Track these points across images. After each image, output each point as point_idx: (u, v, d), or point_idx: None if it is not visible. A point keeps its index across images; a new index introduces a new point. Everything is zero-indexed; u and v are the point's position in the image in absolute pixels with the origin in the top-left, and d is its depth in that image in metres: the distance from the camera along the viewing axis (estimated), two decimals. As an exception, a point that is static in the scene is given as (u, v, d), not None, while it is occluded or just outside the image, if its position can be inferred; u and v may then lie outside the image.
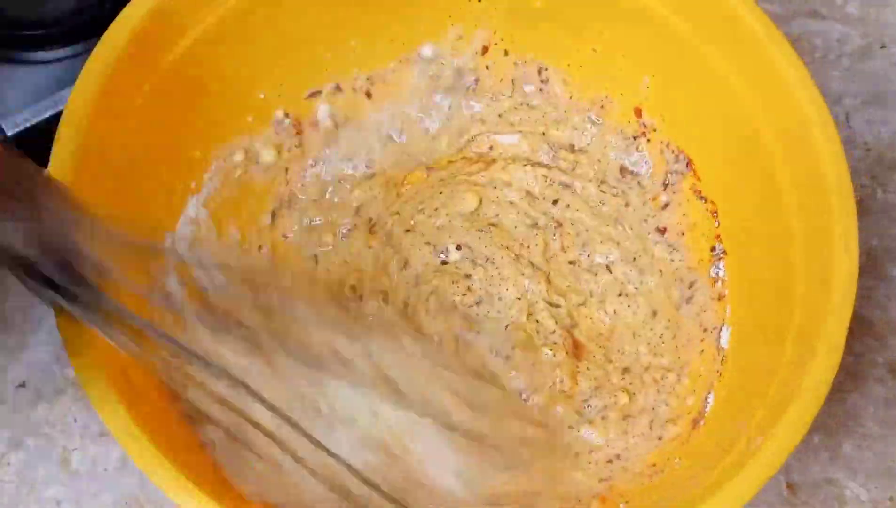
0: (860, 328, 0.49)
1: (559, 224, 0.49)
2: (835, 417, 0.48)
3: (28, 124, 0.47)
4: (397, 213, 0.50)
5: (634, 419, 0.45)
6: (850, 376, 0.48)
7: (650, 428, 0.44)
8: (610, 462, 0.44)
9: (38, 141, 0.40)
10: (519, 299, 0.48)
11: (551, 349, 0.47)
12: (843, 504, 0.46)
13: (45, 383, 0.47)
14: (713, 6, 0.43)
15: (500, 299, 0.48)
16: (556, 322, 0.47)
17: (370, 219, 0.50)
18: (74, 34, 0.49)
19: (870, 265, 0.51)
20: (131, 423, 0.35)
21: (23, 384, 0.48)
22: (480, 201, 0.50)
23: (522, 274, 0.48)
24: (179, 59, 0.43)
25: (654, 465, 0.43)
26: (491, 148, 0.51)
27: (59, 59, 0.49)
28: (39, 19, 0.49)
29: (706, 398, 0.44)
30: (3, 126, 0.47)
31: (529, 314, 0.48)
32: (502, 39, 0.49)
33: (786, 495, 0.46)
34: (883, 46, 0.56)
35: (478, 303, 0.48)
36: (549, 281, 0.48)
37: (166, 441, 0.36)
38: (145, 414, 0.36)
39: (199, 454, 0.40)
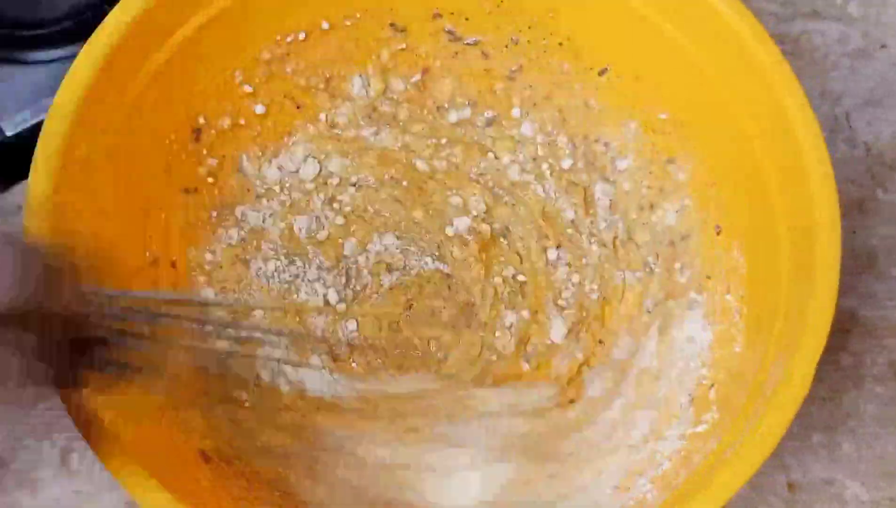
0: (860, 327, 0.49)
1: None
2: (835, 417, 0.48)
3: (28, 124, 0.47)
4: None
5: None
6: (850, 375, 0.48)
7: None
8: None
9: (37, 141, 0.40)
10: None
11: None
12: (843, 504, 0.46)
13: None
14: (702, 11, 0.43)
15: None
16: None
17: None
18: (74, 34, 0.49)
19: (870, 265, 0.51)
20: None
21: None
22: None
23: None
24: (165, 63, 0.43)
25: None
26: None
27: (59, 59, 0.49)
28: (39, 19, 0.49)
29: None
30: (3, 126, 0.47)
31: None
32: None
33: (786, 494, 0.46)
34: (883, 46, 0.55)
35: None
36: None
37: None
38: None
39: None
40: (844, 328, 0.49)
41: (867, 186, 0.52)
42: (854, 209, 0.52)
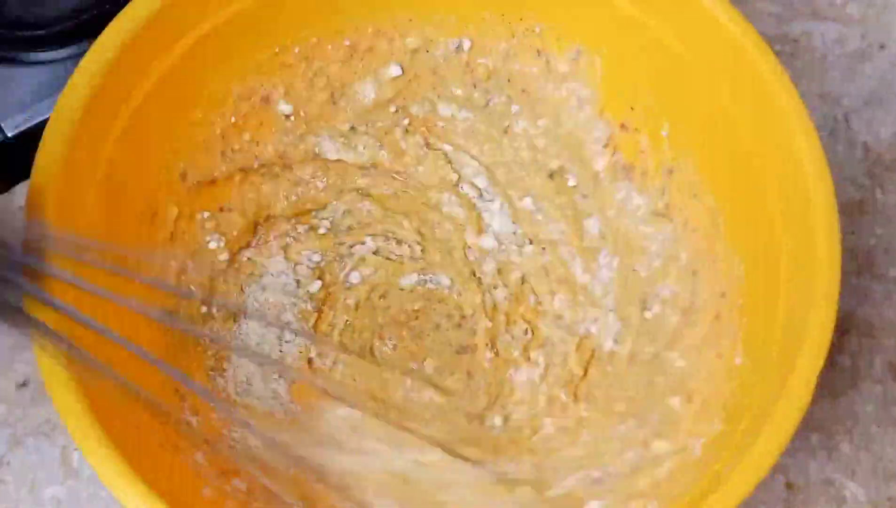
0: (858, 327, 0.49)
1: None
2: (833, 417, 0.48)
3: (28, 125, 0.47)
4: None
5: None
6: (848, 376, 0.48)
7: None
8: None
9: (37, 142, 0.40)
10: None
11: None
12: (842, 504, 0.46)
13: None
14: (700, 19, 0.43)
15: None
16: None
17: None
18: (74, 34, 0.48)
19: (868, 265, 0.51)
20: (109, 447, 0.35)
21: (24, 384, 0.48)
22: None
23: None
24: (172, 67, 0.43)
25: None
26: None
27: (59, 60, 0.49)
28: (39, 19, 0.49)
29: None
30: (4, 127, 0.47)
31: None
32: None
33: (784, 495, 0.46)
34: (882, 47, 0.56)
35: None
36: None
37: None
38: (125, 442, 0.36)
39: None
40: (842, 329, 0.49)
41: (866, 187, 0.52)
42: (853, 210, 0.52)
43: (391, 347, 0.48)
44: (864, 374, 0.49)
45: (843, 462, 0.47)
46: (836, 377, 0.48)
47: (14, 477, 0.46)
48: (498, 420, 0.46)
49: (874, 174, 0.53)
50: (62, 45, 0.49)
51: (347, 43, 0.48)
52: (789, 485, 0.46)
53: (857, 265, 0.51)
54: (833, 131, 0.53)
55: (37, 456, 0.46)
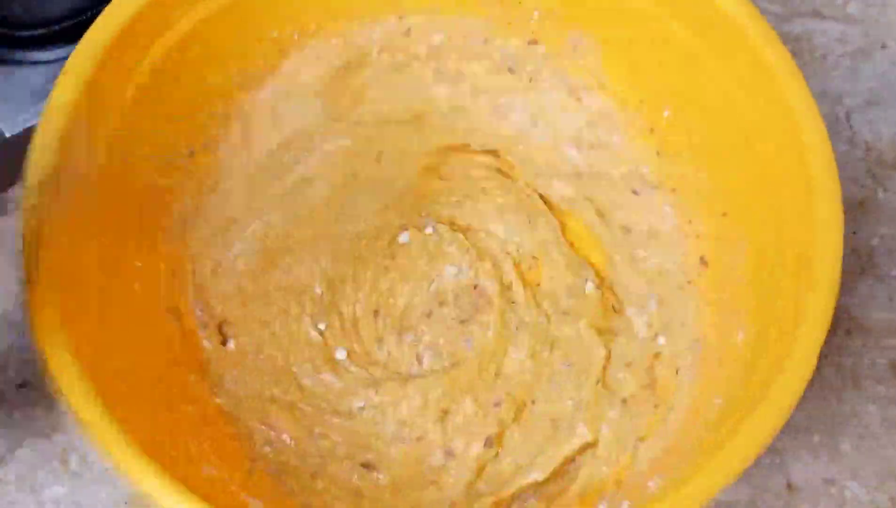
0: (860, 327, 0.49)
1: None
2: (835, 417, 0.48)
3: (28, 125, 0.47)
4: None
5: None
6: (850, 376, 0.48)
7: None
8: None
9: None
10: None
11: None
12: (843, 504, 0.46)
13: (46, 383, 0.47)
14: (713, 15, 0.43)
15: None
16: None
17: None
18: (74, 34, 0.48)
19: (870, 266, 0.51)
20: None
21: (23, 384, 0.48)
22: None
23: None
24: (165, 56, 0.43)
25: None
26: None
27: (59, 60, 0.48)
28: (39, 19, 0.49)
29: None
30: (3, 127, 0.47)
31: None
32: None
33: (785, 495, 0.46)
34: (883, 46, 0.56)
35: None
36: None
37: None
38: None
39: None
40: (844, 329, 0.49)
41: (867, 186, 0.52)
42: (854, 209, 0.52)
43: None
44: (866, 374, 0.49)
45: (844, 461, 0.47)
46: (837, 377, 0.48)
47: (14, 477, 0.46)
48: None
49: (876, 174, 0.53)
50: (62, 45, 0.49)
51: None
52: (790, 485, 0.46)
53: (859, 266, 0.51)
54: (834, 130, 0.53)
55: (37, 456, 0.46)
